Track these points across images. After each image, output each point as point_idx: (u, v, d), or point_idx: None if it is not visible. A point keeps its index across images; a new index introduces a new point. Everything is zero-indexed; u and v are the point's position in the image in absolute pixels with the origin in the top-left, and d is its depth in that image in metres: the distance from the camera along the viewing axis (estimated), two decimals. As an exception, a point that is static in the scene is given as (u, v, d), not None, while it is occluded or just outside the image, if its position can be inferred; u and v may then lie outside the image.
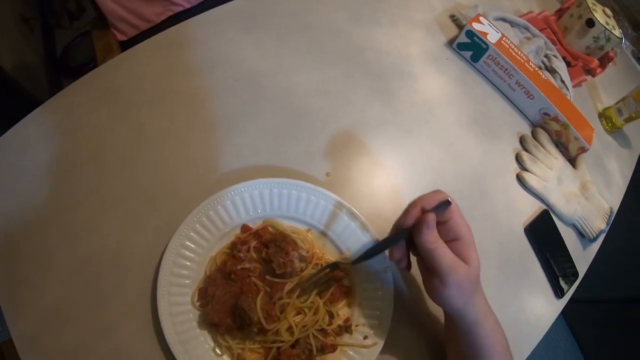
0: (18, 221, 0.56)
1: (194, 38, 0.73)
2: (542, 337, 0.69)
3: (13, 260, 0.54)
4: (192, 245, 0.54)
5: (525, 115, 0.87)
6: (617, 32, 1.16)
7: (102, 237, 0.56)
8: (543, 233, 0.77)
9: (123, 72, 0.68)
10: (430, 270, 0.48)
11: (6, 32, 1.59)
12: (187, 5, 1.05)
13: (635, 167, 1.09)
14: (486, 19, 0.89)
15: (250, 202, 0.56)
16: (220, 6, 0.79)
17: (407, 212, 0.49)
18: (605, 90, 1.19)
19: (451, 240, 0.48)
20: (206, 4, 1.08)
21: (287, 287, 0.53)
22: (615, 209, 0.92)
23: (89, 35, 1.98)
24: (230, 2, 0.80)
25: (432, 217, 0.45)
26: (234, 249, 0.54)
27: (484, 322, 0.50)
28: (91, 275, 0.54)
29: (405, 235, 0.49)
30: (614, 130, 1.10)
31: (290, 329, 0.53)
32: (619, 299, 1.72)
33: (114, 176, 0.60)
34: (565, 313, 1.96)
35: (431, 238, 0.46)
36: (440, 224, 0.48)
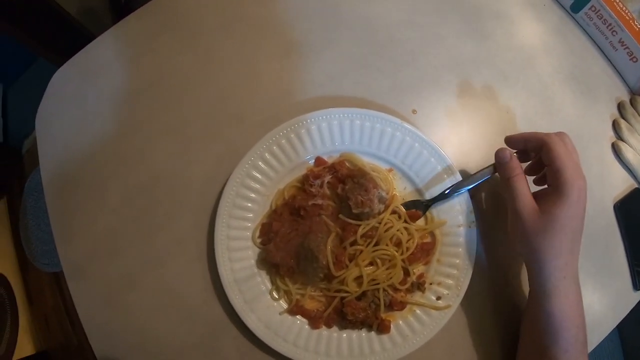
0: (76, 149, 0.55)
1: None
2: (612, 329, 0.62)
3: (69, 187, 0.53)
4: (259, 176, 0.48)
5: (625, 80, 0.77)
6: None
7: (158, 164, 0.53)
8: (632, 214, 0.68)
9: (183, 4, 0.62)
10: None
11: None
12: None
13: None
14: None
15: (327, 133, 0.50)
16: None
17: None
18: None
19: (551, 183, 0.46)
20: None
21: (361, 231, 0.46)
22: None
23: None
24: None
25: (507, 151, 0.48)
26: (306, 182, 0.47)
27: (559, 292, 0.44)
28: (143, 204, 0.52)
29: (489, 173, 0.50)
30: None
31: (358, 279, 0.47)
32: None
33: (175, 103, 0.56)
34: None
35: (506, 171, 0.47)
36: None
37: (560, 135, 0.47)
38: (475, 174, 0.52)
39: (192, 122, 0.55)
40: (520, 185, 0.46)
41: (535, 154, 0.49)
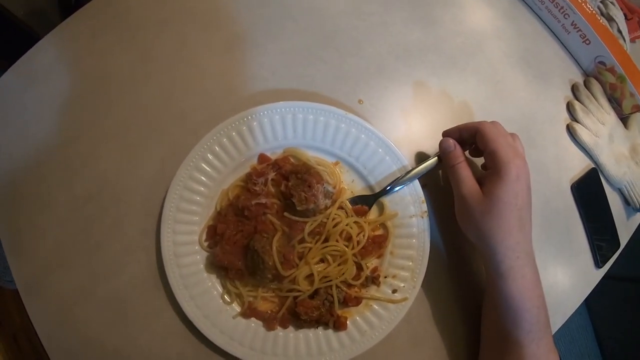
0: (19, 159, 0.53)
1: None
2: (576, 308, 0.63)
3: (15, 201, 0.51)
4: (202, 177, 0.47)
5: (578, 63, 0.77)
6: None
7: (102, 171, 0.51)
8: (589, 193, 0.69)
9: None
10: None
11: None
12: None
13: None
14: None
15: (269, 129, 0.48)
16: None
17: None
18: None
19: (489, 166, 0.47)
20: None
21: (308, 228, 0.45)
22: None
23: None
24: None
25: (451, 141, 0.50)
26: (249, 181, 0.46)
27: (515, 273, 0.44)
28: (91, 213, 0.51)
29: (434, 163, 0.52)
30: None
31: (309, 277, 0.46)
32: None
33: (116, 106, 0.54)
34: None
35: (450, 160, 0.49)
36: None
37: (492, 122, 0.49)
38: (423, 162, 0.51)
39: (136, 125, 0.53)
40: (463, 172, 0.48)
41: (472, 142, 0.50)
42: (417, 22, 0.64)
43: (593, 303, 1.87)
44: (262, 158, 0.49)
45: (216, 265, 0.45)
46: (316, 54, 0.57)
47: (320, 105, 0.49)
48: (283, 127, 0.48)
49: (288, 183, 0.45)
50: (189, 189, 0.46)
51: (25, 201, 0.51)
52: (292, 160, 0.49)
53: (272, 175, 0.46)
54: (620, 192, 0.73)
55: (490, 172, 0.46)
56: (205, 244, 0.47)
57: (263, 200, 0.45)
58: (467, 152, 0.53)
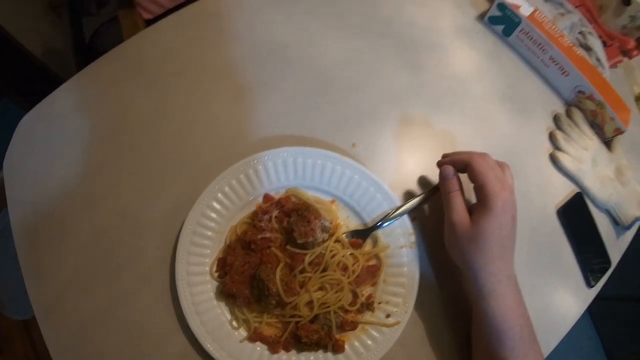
0: (44, 191, 0.58)
1: (220, 10, 0.72)
2: (570, 328, 0.66)
3: (37, 228, 0.56)
4: (213, 214, 0.53)
5: (559, 93, 0.82)
6: None
7: (123, 205, 0.57)
8: (576, 217, 0.73)
9: (148, 45, 0.68)
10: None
11: (35, 20, 1.63)
12: None
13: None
14: None
15: (273, 171, 0.54)
16: None
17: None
18: None
19: (478, 198, 0.51)
20: None
21: (308, 259, 0.51)
22: None
23: (117, 21, 2.00)
24: None
25: (451, 169, 0.53)
26: (255, 218, 0.52)
27: (497, 295, 0.48)
28: (110, 243, 0.55)
29: (420, 200, 0.57)
30: (652, 114, 1.05)
31: (309, 304, 0.51)
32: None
33: (136, 146, 0.60)
34: (590, 310, 1.90)
35: (446, 187, 0.53)
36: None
37: (481, 154, 0.52)
38: (411, 199, 0.56)
39: (154, 163, 0.59)
40: (457, 200, 0.52)
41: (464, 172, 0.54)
42: (405, 69, 0.71)
43: (602, 326, 1.88)
44: (267, 197, 0.55)
45: (225, 294, 0.51)
46: (314, 102, 0.64)
47: (318, 150, 0.55)
48: (285, 170, 0.54)
49: (290, 219, 0.51)
50: (201, 225, 0.52)
51: (47, 230, 0.56)
52: (293, 199, 0.55)
53: (275, 212, 0.52)
54: (608, 212, 0.77)
55: (478, 204, 0.50)
56: (216, 274, 0.52)
57: (268, 235, 0.51)
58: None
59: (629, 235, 0.79)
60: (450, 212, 0.52)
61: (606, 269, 0.73)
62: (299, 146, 0.55)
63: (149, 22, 1.01)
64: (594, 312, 1.90)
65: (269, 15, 0.72)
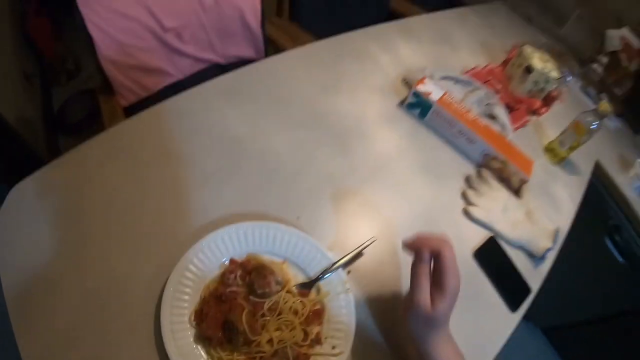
0: (35, 258, 0.65)
1: (188, 108, 0.91)
2: (501, 347, 0.79)
3: (28, 289, 0.62)
4: (190, 276, 0.67)
5: (469, 158, 1.03)
6: (555, 73, 1.35)
7: (110, 270, 0.67)
8: (491, 256, 0.90)
9: (129, 134, 0.84)
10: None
11: (11, 87, 1.75)
12: (180, 77, 1.28)
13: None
14: (431, 80, 1.08)
15: (236, 241, 0.71)
16: (211, 80, 0.98)
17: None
18: (553, 125, 1.35)
19: (438, 281, 0.59)
20: (197, 75, 1.32)
21: (267, 306, 0.66)
22: (566, 229, 1.06)
23: (86, 95, 2.15)
24: (218, 77, 1.00)
25: (427, 255, 0.60)
26: (224, 277, 0.67)
27: (439, 355, 0.60)
28: (99, 301, 0.64)
29: (351, 257, 0.73)
30: (559, 161, 1.26)
31: (270, 341, 0.65)
32: (600, 317, 1.79)
33: (120, 220, 0.72)
34: (554, 344, 2.02)
35: (418, 268, 0.61)
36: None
37: (449, 246, 0.60)
38: (344, 257, 0.73)
39: (137, 234, 0.71)
40: (425, 283, 0.60)
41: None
42: (338, 154, 0.91)
43: (568, 355, 1.99)
44: (232, 261, 0.70)
45: (202, 337, 0.64)
46: (267, 185, 0.82)
47: (270, 223, 0.72)
48: (245, 239, 0.71)
49: (251, 276, 0.66)
50: (181, 284, 0.66)
51: (38, 291, 0.62)
52: (252, 261, 0.71)
53: (239, 272, 0.68)
54: (523, 248, 0.94)
55: (437, 287, 0.59)
56: (194, 322, 0.66)
57: (234, 289, 0.66)
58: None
59: (547, 263, 0.96)
60: (416, 292, 0.59)
61: (527, 295, 0.88)
62: (255, 221, 0.73)
63: (126, 108, 1.20)
64: (557, 344, 2.02)
65: (228, 113, 0.92)
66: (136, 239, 0.71)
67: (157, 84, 1.25)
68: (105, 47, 1.11)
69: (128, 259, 0.69)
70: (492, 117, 1.17)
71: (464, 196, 0.96)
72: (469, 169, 1.01)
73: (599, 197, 1.53)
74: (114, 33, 1.12)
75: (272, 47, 1.49)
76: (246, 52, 1.44)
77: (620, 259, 1.59)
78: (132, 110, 1.16)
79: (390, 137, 0.99)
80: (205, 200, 0.78)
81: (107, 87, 1.18)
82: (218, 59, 1.39)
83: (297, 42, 1.44)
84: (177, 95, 0.93)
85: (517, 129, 1.25)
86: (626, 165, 1.54)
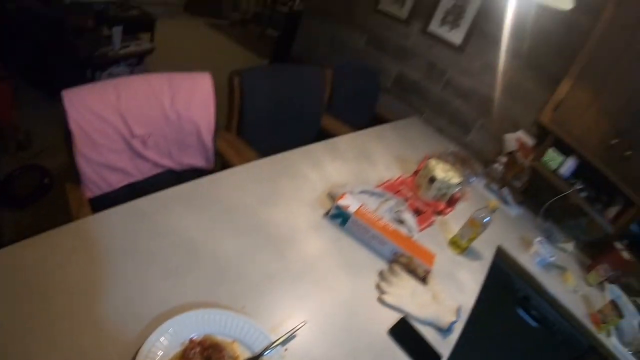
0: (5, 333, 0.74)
1: (152, 210, 1.11)
2: None
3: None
4: (157, 352, 0.82)
5: (382, 257, 1.30)
6: (456, 179, 1.70)
7: (78, 348, 0.77)
8: (404, 332, 1.11)
9: (98, 228, 1.00)
10: None
11: None
12: (140, 178, 1.47)
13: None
14: (351, 194, 1.38)
15: (194, 324, 0.88)
16: (172, 188, 1.21)
17: None
18: (458, 222, 1.65)
19: None
20: (153, 177, 1.51)
21: (222, 377, 0.84)
22: (470, 304, 1.32)
23: (34, 170, 2.19)
24: (178, 186, 1.22)
25: None
26: (185, 353, 0.83)
27: None
28: None
29: (288, 337, 0.91)
30: (462, 251, 1.56)
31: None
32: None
33: (88, 304, 0.85)
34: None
35: None
36: None
37: None
38: (281, 337, 0.91)
39: (102, 319, 0.83)
40: None
41: None
42: (275, 256, 1.13)
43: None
44: (192, 340, 0.86)
45: None
46: (218, 280, 1.00)
47: (222, 310, 0.91)
48: (202, 323, 0.88)
49: (208, 352, 0.83)
50: (149, 358, 0.80)
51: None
52: (208, 340, 0.87)
53: (198, 349, 0.84)
54: (431, 324, 1.17)
55: None
56: None
57: None
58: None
59: (454, 335, 1.18)
60: None
61: None
62: (210, 308, 0.91)
63: (89, 199, 1.32)
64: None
65: (186, 219, 1.12)
66: (103, 321, 0.83)
67: (120, 181, 1.42)
68: (81, 143, 1.26)
69: (94, 339, 0.80)
70: (401, 221, 1.48)
71: (378, 287, 1.20)
72: (382, 265, 1.27)
73: (506, 274, 1.85)
74: (90, 132, 1.27)
75: (219, 158, 1.71)
76: (198, 162, 1.66)
77: (534, 324, 1.87)
78: (95, 202, 1.30)
79: (317, 242, 1.24)
80: (167, 290, 0.94)
81: (75, 176, 1.31)
82: (173, 165, 1.58)
83: (241, 156, 1.72)
84: (142, 198, 1.13)
85: (424, 229, 1.57)
86: (527, 244, 1.92)
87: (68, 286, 0.87)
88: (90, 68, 3.18)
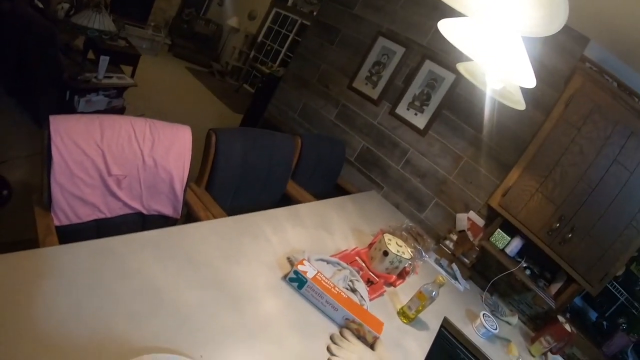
0: None
1: (119, 251, 1.14)
2: None
3: None
4: None
5: (334, 321, 1.37)
6: (407, 255, 1.81)
7: None
8: None
9: (66, 259, 1.03)
10: None
11: None
12: (108, 215, 1.51)
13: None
14: (309, 261, 1.48)
15: None
16: (141, 232, 1.24)
17: None
18: (408, 293, 1.77)
19: None
20: (121, 217, 1.56)
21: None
22: None
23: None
24: (147, 232, 1.27)
25: None
26: None
27: None
28: None
29: None
30: (410, 321, 1.64)
31: None
32: None
33: (50, 330, 0.87)
34: None
35: None
36: None
37: None
38: None
39: (65, 349, 0.85)
40: None
41: None
42: (233, 313, 1.18)
43: None
44: None
45: None
46: (178, 327, 1.03)
47: (180, 357, 0.94)
48: None
49: None
50: None
51: None
52: None
53: None
54: None
55: None
56: None
57: None
58: None
59: None
60: None
61: None
62: (169, 354, 0.94)
63: (57, 228, 1.34)
64: None
65: (152, 265, 1.15)
66: (65, 352, 0.84)
67: (88, 215, 1.45)
68: (59, 171, 1.30)
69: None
70: (354, 290, 1.57)
71: (328, 349, 1.26)
72: (334, 329, 1.34)
73: (451, 344, 1.93)
74: (70, 163, 1.32)
75: (185, 209, 1.78)
76: (166, 209, 1.72)
77: None
78: (59, 229, 1.33)
79: (274, 302, 1.30)
80: (128, 332, 0.96)
81: (48, 202, 1.35)
82: (142, 209, 1.64)
83: (208, 210, 1.80)
84: (111, 238, 1.16)
85: (374, 298, 1.66)
86: (473, 317, 2.03)
87: (30, 311, 0.88)
88: (70, 90, 3.19)
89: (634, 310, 2.16)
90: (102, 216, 1.51)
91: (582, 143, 2.15)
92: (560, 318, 2.11)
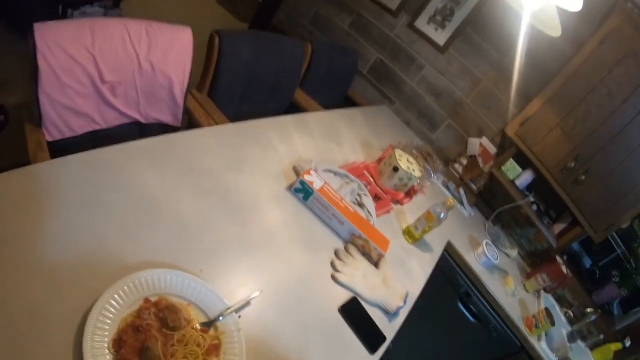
0: None
1: (114, 162, 1.06)
2: None
3: None
4: (111, 309, 0.81)
5: (339, 236, 1.34)
6: (418, 173, 1.76)
7: (30, 298, 0.74)
8: (354, 311, 1.17)
9: (57, 174, 0.95)
10: None
11: None
12: (104, 126, 1.42)
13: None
14: (315, 171, 1.40)
15: (151, 283, 0.88)
16: (137, 141, 1.16)
17: None
18: (413, 213, 1.75)
19: None
20: (117, 127, 1.47)
21: (176, 337, 0.83)
22: (417, 293, 1.39)
23: None
24: (143, 140, 1.18)
25: None
26: (140, 312, 0.83)
27: None
28: (19, 327, 0.69)
29: (241, 303, 0.93)
30: (415, 241, 1.63)
31: (180, 366, 0.81)
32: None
33: (42, 252, 0.81)
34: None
35: None
36: None
37: None
38: (236, 304, 0.93)
39: (56, 270, 0.79)
40: None
41: None
42: (234, 223, 1.14)
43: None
44: (146, 300, 0.86)
45: None
46: (178, 240, 1.00)
47: (178, 272, 0.91)
48: (159, 283, 0.88)
49: (164, 312, 0.84)
50: (102, 315, 0.79)
51: None
52: (164, 301, 0.87)
53: (153, 309, 0.84)
54: (379, 307, 1.23)
55: None
56: (112, 349, 0.79)
57: (149, 322, 0.82)
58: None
59: (400, 318, 1.25)
60: None
61: (383, 341, 1.15)
62: (166, 269, 0.91)
63: (49, 143, 1.26)
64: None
65: (148, 175, 1.09)
66: (57, 273, 0.80)
67: (82, 127, 1.37)
68: (47, 81, 1.19)
69: (48, 290, 0.77)
70: (361, 205, 1.52)
71: (332, 264, 1.24)
72: (338, 244, 1.31)
73: (452, 269, 1.96)
74: (58, 72, 1.21)
75: (187, 117, 1.69)
76: (166, 117, 1.62)
77: (471, 319, 1.99)
78: (53, 146, 1.25)
79: (277, 213, 1.26)
80: (124, 247, 0.91)
81: (38, 117, 1.25)
82: (140, 117, 1.53)
83: (210, 117, 1.70)
84: (105, 148, 1.08)
85: (381, 215, 1.62)
86: (475, 244, 2.03)
87: (19, 233, 0.82)
88: (62, 4, 2.92)
89: (628, 265, 2.15)
90: (97, 127, 1.42)
91: (612, 86, 1.98)
92: (558, 259, 2.12)
